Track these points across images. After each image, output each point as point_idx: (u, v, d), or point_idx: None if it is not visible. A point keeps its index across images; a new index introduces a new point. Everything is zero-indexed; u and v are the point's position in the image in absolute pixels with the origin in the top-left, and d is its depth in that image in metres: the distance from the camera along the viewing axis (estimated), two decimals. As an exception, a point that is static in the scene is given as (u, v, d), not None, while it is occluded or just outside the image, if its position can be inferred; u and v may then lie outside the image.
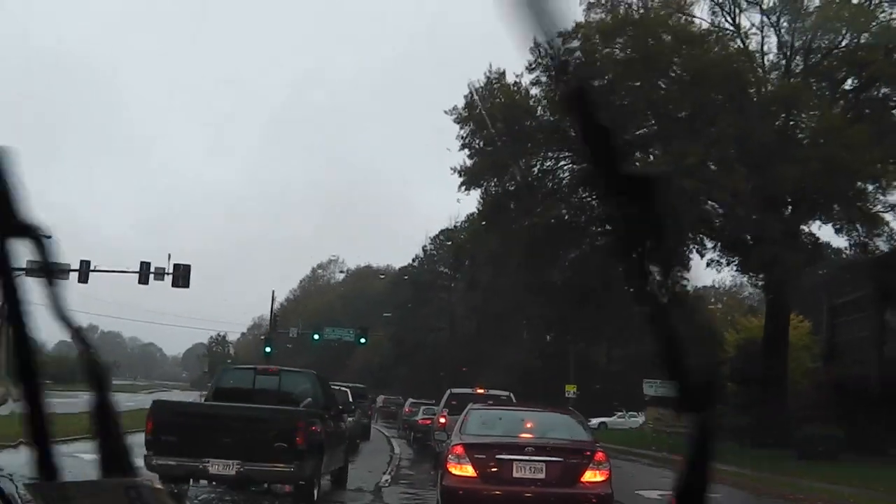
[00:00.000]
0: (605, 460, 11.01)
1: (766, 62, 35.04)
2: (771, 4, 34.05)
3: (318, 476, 12.66)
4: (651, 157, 33.49)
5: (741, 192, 26.76)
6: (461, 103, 35.04)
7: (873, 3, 32.59)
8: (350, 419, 29.55)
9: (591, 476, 10.77)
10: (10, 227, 1.45)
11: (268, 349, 67.50)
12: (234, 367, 15.54)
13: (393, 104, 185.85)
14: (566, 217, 36.15)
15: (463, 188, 35.78)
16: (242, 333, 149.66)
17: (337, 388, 31.81)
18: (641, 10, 32.97)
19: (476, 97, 34.48)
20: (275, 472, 11.33)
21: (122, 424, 1.56)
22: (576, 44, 33.41)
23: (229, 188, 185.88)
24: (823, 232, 35.02)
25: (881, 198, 31.84)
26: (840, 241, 36.29)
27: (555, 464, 10.75)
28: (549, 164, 36.67)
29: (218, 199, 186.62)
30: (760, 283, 38.70)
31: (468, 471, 10.77)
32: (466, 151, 35.50)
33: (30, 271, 1.50)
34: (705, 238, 35.64)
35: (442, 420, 21.10)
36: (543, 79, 33.87)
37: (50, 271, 1.54)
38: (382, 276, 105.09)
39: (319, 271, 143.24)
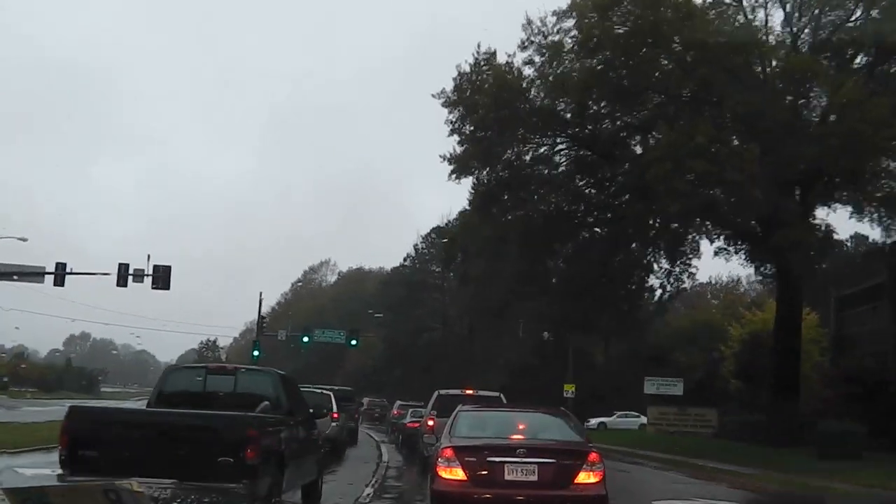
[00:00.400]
0: (599, 461, 10.68)
1: (771, 40, 33.05)
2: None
3: (278, 495, 10.47)
4: (651, 140, 31.40)
5: (754, 173, 24.65)
6: (450, 86, 32.91)
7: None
8: (334, 424, 27.79)
9: (585, 477, 10.51)
10: None
11: (255, 353, 65.89)
12: (181, 366, 13.35)
13: (386, 107, 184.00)
14: (564, 207, 34.10)
15: (453, 177, 33.71)
16: (235, 338, 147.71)
17: (320, 391, 30.17)
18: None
19: (464, 79, 32.39)
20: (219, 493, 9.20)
21: None
22: (570, 22, 31.53)
23: (220, 194, 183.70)
24: (831, 218, 33.04)
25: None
26: (847, 228, 34.24)
27: (547, 465, 10.52)
28: (543, 150, 34.64)
29: (209, 205, 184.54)
30: (771, 272, 36.69)
31: (458, 474, 10.51)
32: (456, 138, 33.41)
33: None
34: (710, 225, 33.56)
35: (430, 423, 20.17)
36: (537, 58, 31.92)
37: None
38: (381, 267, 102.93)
39: (311, 274, 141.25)
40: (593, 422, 60.67)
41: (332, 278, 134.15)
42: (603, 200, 33.68)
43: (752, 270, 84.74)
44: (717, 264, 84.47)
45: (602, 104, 31.21)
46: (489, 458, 10.51)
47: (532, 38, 31.44)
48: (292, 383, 13.60)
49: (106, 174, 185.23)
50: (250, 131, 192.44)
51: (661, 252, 33.50)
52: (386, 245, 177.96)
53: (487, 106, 31.44)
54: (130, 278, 46.74)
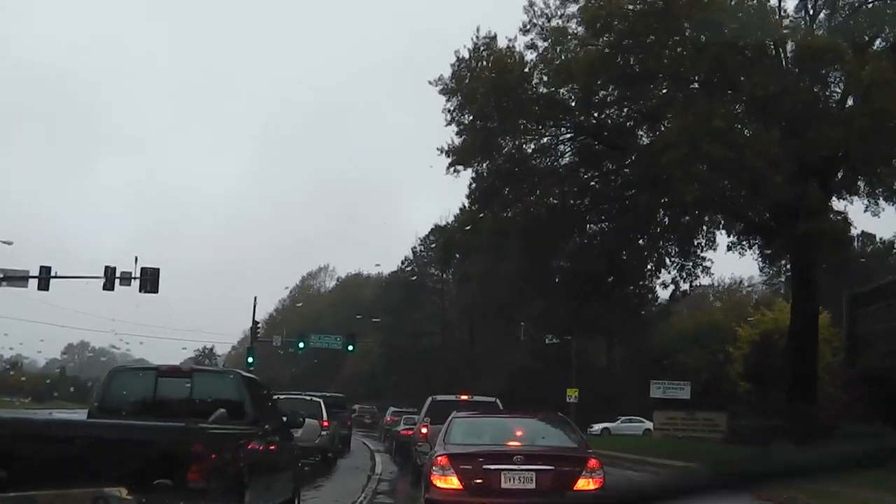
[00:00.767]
0: (599, 467, 10.49)
1: (786, 24, 31.34)
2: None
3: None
4: (664, 127, 29.53)
5: (776, 158, 22.80)
6: (448, 73, 31.06)
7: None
8: (324, 433, 26.11)
9: (585, 484, 10.23)
10: None
11: (250, 360, 64.51)
12: (127, 367, 11.44)
13: (382, 112, 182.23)
14: (569, 201, 32.23)
15: (451, 169, 31.83)
16: (233, 346, 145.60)
17: (309, 398, 28.58)
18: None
19: (463, 65, 30.55)
20: None
21: None
22: (575, 6, 29.75)
23: (216, 200, 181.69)
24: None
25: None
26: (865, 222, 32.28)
27: (546, 472, 10.32)
28: (546, 140, 32.80)
29: (205, 212, 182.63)
30: (784, 269, 34.92)
31: (453, 482, 10.28)
32: (454, 128, 31.55)
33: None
34: (721, 218, 31.72)
35: (423, 430, 19.38)
36: (540, 42, 30.10)
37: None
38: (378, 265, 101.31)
39: (309, 280, 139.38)
40: (596, 427, 59.37)
41: (331, 284, 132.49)
42: (609, 193, 31.82)
43: (755, 272, 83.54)
44: (719, 266, 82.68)
45: (609, 90, 29.36)
46: (485, 466, 10.27)
47: (535, 21, 29.66)
48: (260, 387, 11.72)
49: (99, 181, 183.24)
50: (245, 136, 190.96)
51: (673, 246, 31.66)
52: (385, 250, 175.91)
53: (487, 93, 29.60)
54: (118, 281, 45.39)
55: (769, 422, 39.55)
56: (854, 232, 34.01)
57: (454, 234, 34.95)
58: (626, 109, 30.49)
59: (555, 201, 31.46)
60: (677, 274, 31.54)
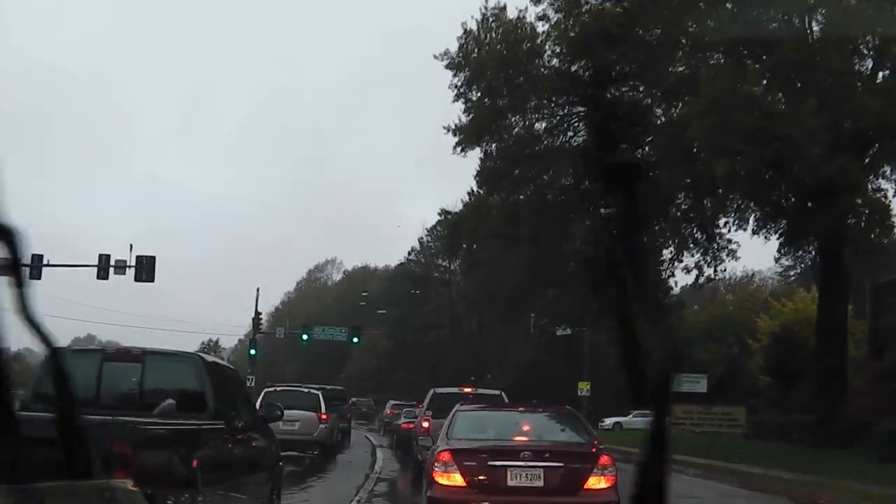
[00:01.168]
0: (611, 464, 9.95)
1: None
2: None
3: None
4: (682, 104, 27.71)
5: (812, 128, 20.95)
6: (454, 47, 29.28)
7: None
8: (322, 426, 24.62)
9: (596, 482, 9.76)
10: None
11: (252, 352, 63.35)
12: (68, 349, 9.71)
13: (389, 104, 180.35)
14: (586, 182, 30.43)
15: (458, 149, 30.10)
16: (240, 340, 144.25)
17: (307, 390, 27.21)
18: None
19: (471, 38, 28.79)
20: None
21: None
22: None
23: (224, 195, 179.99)
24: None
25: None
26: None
27: (554, 469, 9.84)
28: (558, 119, 31.00)
29: (212, 207, 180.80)
30: (804, 258, 33.07)
31: (456, 480, 9.78)
32: (461, 106, 29.80)
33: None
34: (745, 201, 29.85)
35: (425, 424, 18.40)
36: (552, 13, 28.28)
37: (19, 271, 1.62)
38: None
39: (316, 273, 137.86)
40: (608, 422, 57.99)
41: (338, 277, 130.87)
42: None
43: (765, 265, 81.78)
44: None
45: (626, 62, 27.51)
46: (490, 462, 9.84)
47: (546, -10, 27.86)
48: (227, 375, 9.91)
49: (106, 175, 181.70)
50: (254, 132, 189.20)
51: (696, 228, 29.80)
52: (394, 243, 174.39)
53: (496, 67, 27.85)
54: (112, 270, 43.98)
55: (791, 417, 37.90)
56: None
57: (462, 219, 33.19)
58: (644, 84, 28.58)
59: (569, 181, 29.69)
60: (701, 258, 29.70)
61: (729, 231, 29.84)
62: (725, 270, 31.92)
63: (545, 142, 30.96)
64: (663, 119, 29.75)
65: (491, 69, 28.19)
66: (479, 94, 29.26)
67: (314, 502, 14.09)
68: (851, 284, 34.91)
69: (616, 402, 61.84)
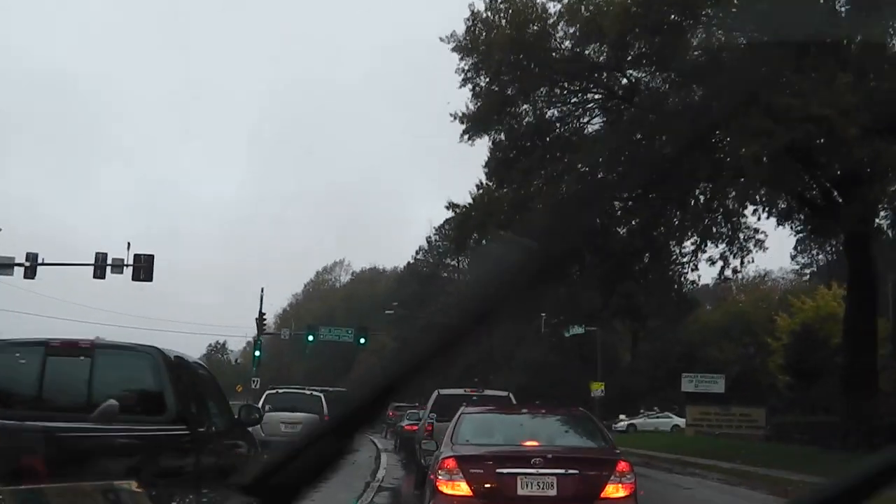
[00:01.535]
0: (630, 471, 9.43)
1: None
2: None
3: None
4: (697, 93, 26.12)
5: (848, 106, 19.49)
6: (461, 28, 27.84)
7: None
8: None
9: (614, 490, 9.21)
10: None
11: (257, 353, 62.60)
12: (7, 342, 8.32)
13: (398, 104, 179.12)
14: (601, 174, 28.84)
15: (466, 137, 28.66)
16: (248, 342, 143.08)
17: (309, 392, 26.04)
18: None
19: (478, 20, 27.32)
20: None
21: None
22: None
23: (231, 197, 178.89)
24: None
25: None
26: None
27: (569, 477, 9.30)
28: (570, 105, 29.53)
29: (218, 210, 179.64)
30: (820, 255, 31.55)
31: (462, 489, 9.26)
32: (468, 92, 28.35)
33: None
34: (764, 192, 28.35)
35: (429, 427, 17.57)
36: (564, -8, 26.79)
37: None
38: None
39: (325, 275, 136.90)
40: (621, 424, 56.75)
41: (346, 278, 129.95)
42: (644, 160, 28.42)
43: (777, 264, 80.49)
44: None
45: (643, 44, 26.01)
46: (499, 470, 9.41)
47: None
48: (193, 373, 8.49)
49: (111, 177, 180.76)
50: (261, 134, 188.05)
51: (720, 218, 28.31)
52: (402, 243, 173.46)
53: (505, 50, 26.39)
54: (108, 269, 42.78)
55: (814, 418, 36.49)
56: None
57: (470, 213, 31.70)
58: (662, 67, 27.07)
59: (585, 168, 28.23)
60: (727, 248, 28.16)
61: (759, 219, 28.33)
62: (753, 261, 30.23)
63: (557, 129, 29.49)
64: (684, 104, 28.31)
65: (499, 52, 26.75)
66: (486, 80, 27.83)
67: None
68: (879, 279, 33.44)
69: (628, 403, 60.67)
